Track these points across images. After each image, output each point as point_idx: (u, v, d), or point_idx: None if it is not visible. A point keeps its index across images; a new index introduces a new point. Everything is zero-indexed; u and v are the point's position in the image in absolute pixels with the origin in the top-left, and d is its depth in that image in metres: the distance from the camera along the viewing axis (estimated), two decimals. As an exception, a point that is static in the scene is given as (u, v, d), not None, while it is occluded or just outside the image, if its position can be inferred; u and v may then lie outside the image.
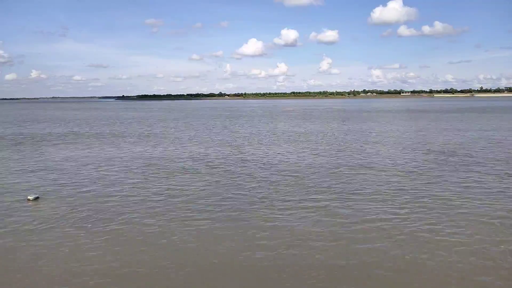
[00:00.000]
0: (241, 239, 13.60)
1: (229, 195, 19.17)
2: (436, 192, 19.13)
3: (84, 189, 20.48)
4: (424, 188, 19.87)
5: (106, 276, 11.10)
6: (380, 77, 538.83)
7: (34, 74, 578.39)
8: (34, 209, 17.25)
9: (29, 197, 18.63)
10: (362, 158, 29.33)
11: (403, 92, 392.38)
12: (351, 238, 13.50)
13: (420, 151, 32.01)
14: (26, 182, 22.36)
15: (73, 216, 16.11)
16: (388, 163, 27.08)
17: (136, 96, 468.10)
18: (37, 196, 18.91)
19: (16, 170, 25.78)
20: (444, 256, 11.99)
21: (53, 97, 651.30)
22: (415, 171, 24.02)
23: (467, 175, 22.66)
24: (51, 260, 12.09)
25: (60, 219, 15.75)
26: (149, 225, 15.07)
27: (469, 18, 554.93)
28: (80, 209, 17.08)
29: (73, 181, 22.44)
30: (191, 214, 16.26)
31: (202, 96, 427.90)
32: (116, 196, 19.20)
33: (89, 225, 15.06)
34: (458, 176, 22.42)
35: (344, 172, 24.17)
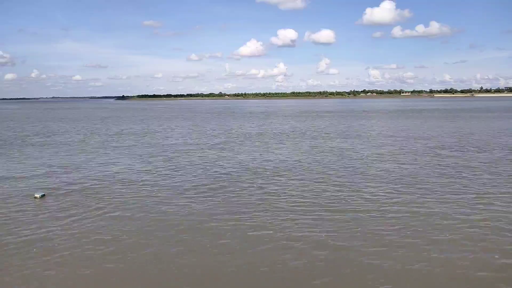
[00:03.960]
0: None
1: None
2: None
3: (89, 188, 20.85)
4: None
5: (111, 275, 11.35)
6: (377, 77, 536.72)
7: (34, 74, 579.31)
8: (40, 206, 17.56)
9: (36, 195, 19.01)
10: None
11: (403, 92, 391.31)
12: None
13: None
14: (34, 179, 22.66)
15: (79, 214, 16.43)
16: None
17: (137, 96, 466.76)
18: (43, 193, 19.30)
19: (23, 169, 26.10)
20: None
21: (53, 97, 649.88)
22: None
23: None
24: (57, 257, 12.36)
25: (66, 217, 16.06)
26: (156, 226, 15.37)
27: (464, 18, 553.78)
28: (86, 207, 17.42)
29: (80, 179, 22.78)
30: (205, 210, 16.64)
31: (203, 96, 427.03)
32: (122, 195, 19.54)
33: (95, 223, 15.39)
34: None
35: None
